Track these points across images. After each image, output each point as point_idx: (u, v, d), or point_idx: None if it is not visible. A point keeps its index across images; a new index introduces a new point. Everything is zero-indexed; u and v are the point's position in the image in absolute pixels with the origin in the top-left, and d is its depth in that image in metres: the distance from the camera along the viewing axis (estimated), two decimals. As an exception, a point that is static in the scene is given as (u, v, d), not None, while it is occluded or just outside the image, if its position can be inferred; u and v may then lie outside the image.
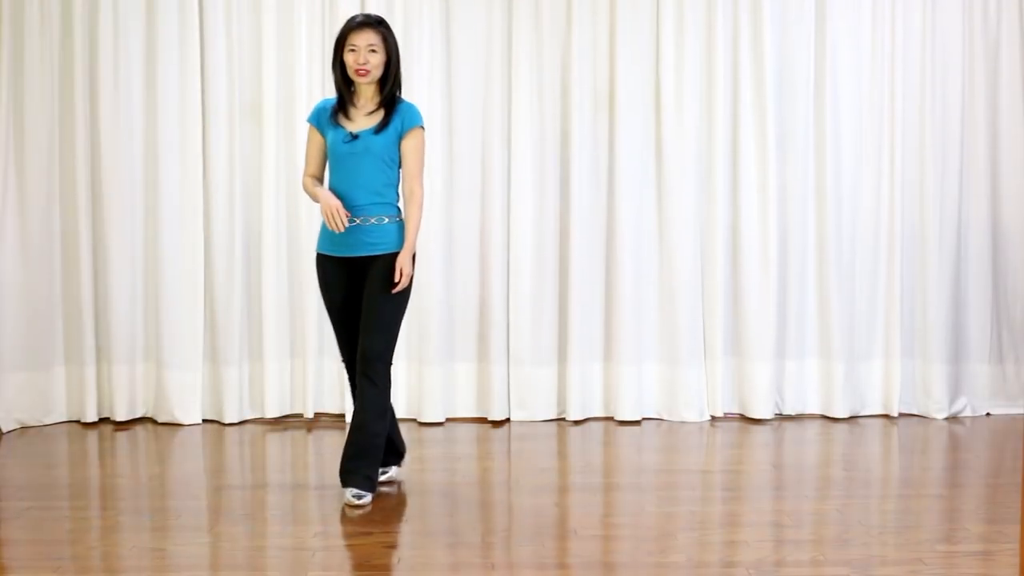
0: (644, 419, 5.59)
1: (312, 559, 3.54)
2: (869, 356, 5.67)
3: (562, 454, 5.08)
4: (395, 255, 4.06)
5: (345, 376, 5.38)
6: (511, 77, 5.50)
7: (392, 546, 3.69)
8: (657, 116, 5.56)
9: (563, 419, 5.59)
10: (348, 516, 3.99)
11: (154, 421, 5.51)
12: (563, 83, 5.54)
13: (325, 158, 4.19)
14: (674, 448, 5.12)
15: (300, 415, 5.58)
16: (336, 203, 4.01)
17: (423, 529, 3.89)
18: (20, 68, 5.36)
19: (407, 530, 3.88)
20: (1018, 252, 5.69)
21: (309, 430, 5.40)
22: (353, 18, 4.13)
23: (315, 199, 4.12)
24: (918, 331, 5.68)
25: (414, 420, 5.48)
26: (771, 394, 5.60)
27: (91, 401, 5.43)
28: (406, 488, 4.37)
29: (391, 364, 4.13)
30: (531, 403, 5.56)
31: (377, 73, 4.08)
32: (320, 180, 4.23)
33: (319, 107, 4.22)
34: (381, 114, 4.10)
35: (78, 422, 5.47)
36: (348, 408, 5.43)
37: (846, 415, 5.62)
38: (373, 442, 4.11)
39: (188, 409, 5.46)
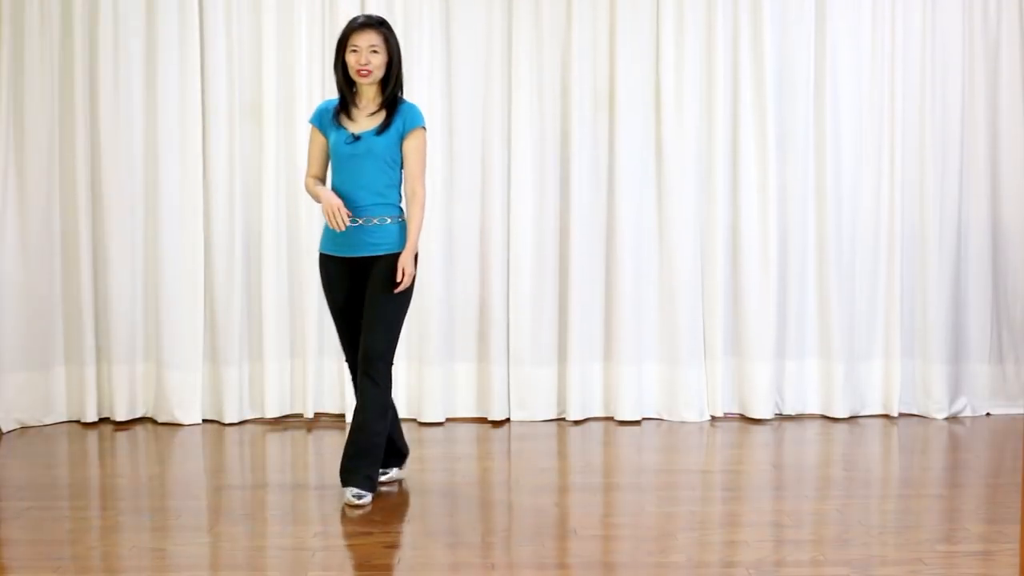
0: (644, 419, 5.59)
1: (312, 559, 3.54)
2: (869, 356, 5.67)
3: (562, 454, 5.08)
4: (397, 255, 4.07)
5: (345, 376, 5.41)
6: (511, 77, 5.50)
7: (392, 546, 3.69)
8: (657, 116, 5.56)
9: (563, 419, 5.59)
10: (348, 516, 3.99)
11: (154, 421, 5.51)
12: (563, 83, 5.54)
13: (327, 159, 4.20)
14: (674, 448, 5.12)
15: (300, 415, 5.58)
16: (337, 202, 4.02)
17: (423, 529, 3.89)
18: (20, 68, 5.36)
19: (407, 530, 3.88)
20: (1018, 252, 5.69)
21: (309, 430, 5.40)
22: (355, 19, 4.14)
23: (317, 199, 4.13)
24: (918, 331, 5.68)
25: (414, 420, 5.48)
26: (771, 394, 5.60)
27: (91, 401, 5.43)
28: (406, 488, 4.37)
29: (392, 364, 4.14)
30: (531, 403, 5.56)
31: (379, 74, 4.09)
32: (323, 181, 4.24)
33: (321, 108, 4.23)
34: (383, 115, 4.11)
35: (78, 422, 5.47)
36: (348, 408, 5.43)
37: (846, 415, 5.62)
38: (374, 441, 4.11)
39: (188, 409, 5.46)
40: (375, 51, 4.06)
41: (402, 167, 4.15)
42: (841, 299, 5.62)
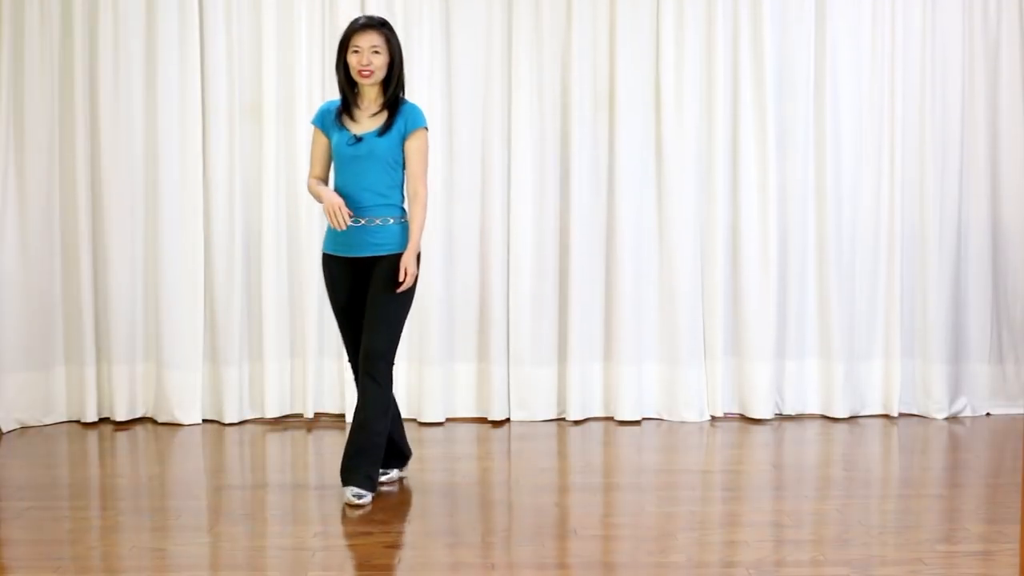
0: (644, 419, 5.59)
1: (312, 559, 3.54)
2: (869, 356, 5.67)
3: (562, 454, 5.08)
4: (400, 255, 4.08)
5: (345, 376, 5.42)
6: (511, 77, 5.50)
7: (392, 546, 3.69)
8: (657, 115, 5.56)
9: (563, 419, 5.59)
10: (348, 516, 3.99)
11: (154, 421, 5.51)
12: (563, 83, 5.54)
13: (330, 159, 4.21)
14: (674, 448, 5.12)
15: (300, 415, 5.58)
16: (338, 201, 4.03)
17: (423, 529, 3.89)
18: (20, 68, 5.36)
19: (407, 530, 3.88)
20: (1018, 252, 5.69)
21: (309, 430, 5.40)
22: (356, 20, 4.15)
23: (319, 199, 4.15)
24: (918, 331, 5.68)
25: (414, 420, 5.48)
26: (771, 394, 5.60)
27: (91, 401, 5.43)
28: (406, 488, 4.37)
29: (394, 364, 4.15)
30: (531, 403, 5.56)
31: (380, 74, 4.10)
32: (325, 181, 4.25)
33: (323, 109, 4.24)
34: (385, 115, 4.12)
35: (78, 422, 5.47)
36: (348, 408, 5.43)
37: (846, 415, 5.62)
38: (374, 441, 4.12)
39: (188, 409, 5.46)
40: (377, 52, 4.07)
41: (404, 168, 4.15)
42: (841, 299, 5.62)
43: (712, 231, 5.59)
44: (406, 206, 4.18)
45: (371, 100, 4.16)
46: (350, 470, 4.12)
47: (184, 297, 5.44)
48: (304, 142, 5.41)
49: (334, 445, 5.08)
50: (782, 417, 5.65)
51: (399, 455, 4.41)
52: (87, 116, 5.38)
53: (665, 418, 5.62)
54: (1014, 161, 5.67)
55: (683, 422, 5.56)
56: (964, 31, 5.61)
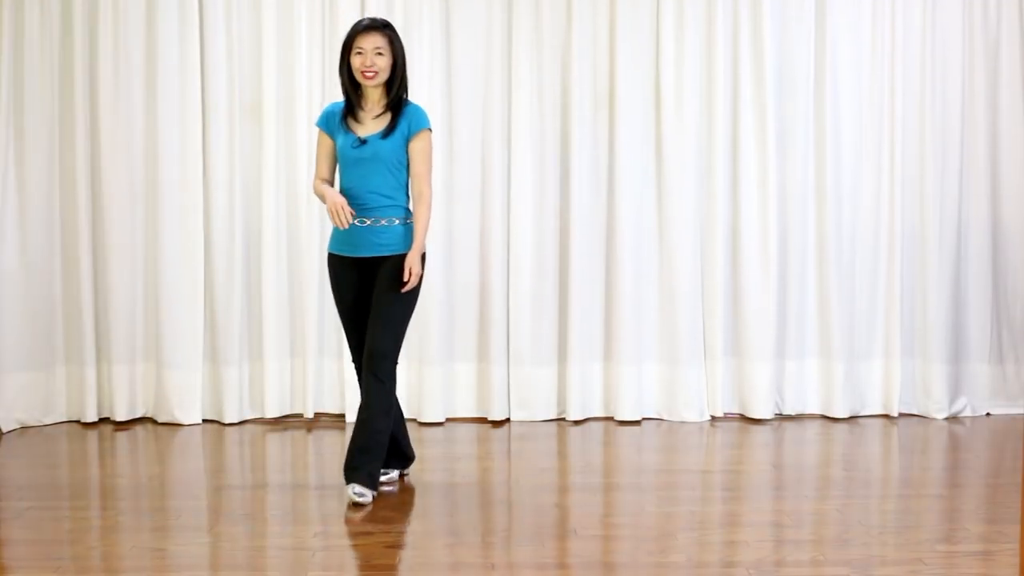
0: (644, 419, 5.59)
1: (312, 559, 3.54)
2: (869, 356, 5.67)
3: (562, 454, 5.08)
4: (404, 255, 4.11)
5: (345, 376, 5.42)
6: (511, 77, 5.50)
7: (392, 546, 3.69)
8: (657, 114, 5.56)
9: (563, 419, 5.59)
10: (348, 516, 3.99)
11: (154, 421, 5.51)
12: (563, 83, 5.54)
13: (335, 161, 4.24)
14: (674, 448, 5.12)
15: (300, 415, 5.58)
16: (341, 200, 4.05)
17: (423, 529, 3.89)
18: (20, 68, 5.35)
19: (407, 530, 3.88)
20: (1018, 252, 5.69)
21: (309, 430, 5.40)
22: (359, 22, 4.19)
23: (322, 199, 4.17)
24: (918, 331, 5.67)
25: (414, 420, 5.47)
26: (771, 394, 5.60)
27: (91, 401, 5.43)
28: (406, 488, 4.37)
29: (397, 363, 4.17)
30: (531, 403, 5.56)
31: (384, 76, 4.13)
32: (331, 183, 4.27)
33: (327, 111, 4.26)
34: (388, 117, 4.15)
35: (78, 422, 5.47)
36: (348, 408, 5.43)
37: (846, 415, 5.62)
38: (377, 439, 4.14)
39: (188, 409, 5.46)
40: (380, 53, 4.10)
41: (409, 168, 4.17)
42: (841, 299, 5.62)
43: (712, 230, 5.59)
44: (411, 206, 4.20)
45: (374, 102, 4.18)
46: (353, 468, 4.13)
47: (184, 297, 5.44)
48: (304, 142, 5.42)
49: (334, 445, 5.08)
50: (782, 417, 5.65)
51: (400, 456, 4.42)
52: (87, 116, 5.38)
53: (665, 418, 5.61)
54: (1014, 161, 5.67)
55: (683, 422, 5.56)
56: (964, 30, 5.61)
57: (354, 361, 4.31)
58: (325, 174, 4.25)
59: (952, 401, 5.68)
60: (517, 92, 5.48)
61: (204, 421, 5.51)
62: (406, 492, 4.32)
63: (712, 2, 5.52)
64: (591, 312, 5.59)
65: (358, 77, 4.12)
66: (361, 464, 4.12)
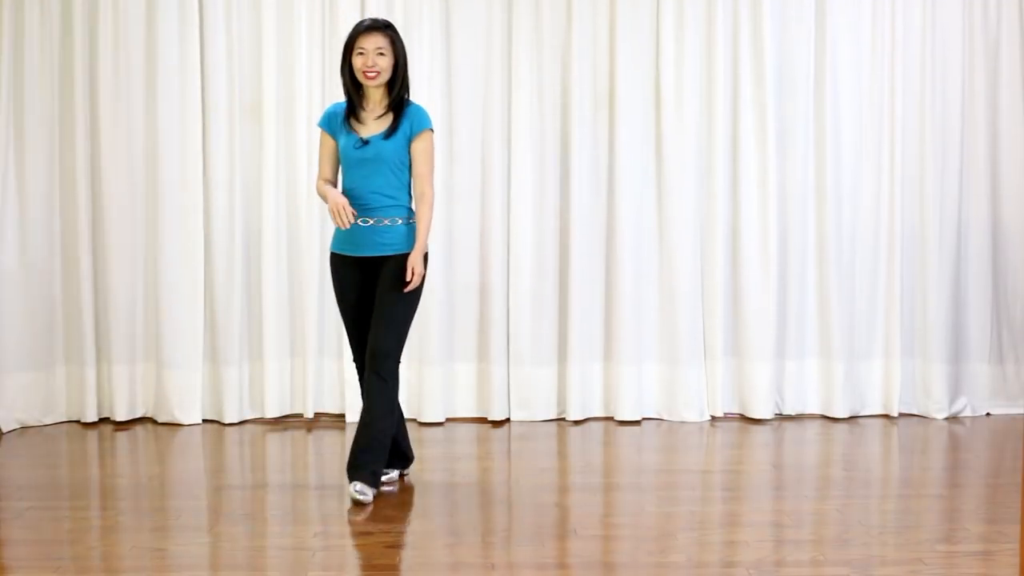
0: (644, 419, 5.59)
1: (312, 559, 3.54)
2: (869, 356, 5.67)
3: (562, 454, 5.08)
4: (407, 255, 4.13)
5: (345, 376, 5.42)
6: (511, 77, 5.50)
7: (392, 546, 3.69)
8: (657, 113, 5.56)
9: (563, 419, 5.59)
10: (348, 516, 3.99)
11: (154, 421, 5.51)
12: (563, 83, 5.54)
13: (338, 162, 4.26)
14: (674, 448, 5.12)
15: (300, 415, 5.58)
16: (342, 200, 4.06)
17: (423, 529, 3.90)
18: (20, 68, 5.35)
19: (407, 530, 3.88)
20: (1018, 252, 5.69)
21: (309, 430, 5.40)
22: (361, 22, 4.21)
23: (325, 200, 4.18)
24: (918, 331, 5.67)
25: (414, 420, 5.47)
26: (771, 394, 5.60)
27: (91, 401, 5.43)
28: (406, 488, 4.37)
29: (400, 362, 4.18)
30: (531, 403, 5.56)
31: (386, 76, 4.15)
32: (334, 183, 4.28)
33: (329, 112, 4.27)
34: (391, 118, 4.17)
35: (78, 422, 5.47)
36: (348, 408, 5.43)
37: (846, 415, 5.62)
38: (379, 438, 4.15)
39: (188, 409, 5.46)
40: (382, 53, 4.11)
41: (411, 169, 4.18)
42: (841, 299, 5.62)
43: (712, 230, 5.59)
44: (413, 206, 4.21)
45: (376, 102, 4.19)
46: (356, 467, 4.15)
47: (184, 297, 5.44)
48: (304, 142, 5.42)
49: (334, 445, 5.08)
50: (782, 417, 5.65)
51: (400, 456, 4.43)
52: (87, 116, 5.38)
53: (665, 418, 5.61)
54: (1014, 161, 5.67)
55: (683, 422, 5.56)
56: (964, 29, 5.61)
57: (355, 360, 4.32)
58: (328, 175, 4.26)
59: (952, 401, 5.68)
60: (517, 92, 5.48)
61: (204, 421, 5.51)
62: (406, 492, 4.33)
63: (712, 2, 5.52)
64: (591, 312, 5.59)
65: (360, 77, 4.13)
66: (363, 463, 4.14)
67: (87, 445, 5.17)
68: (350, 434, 5.21)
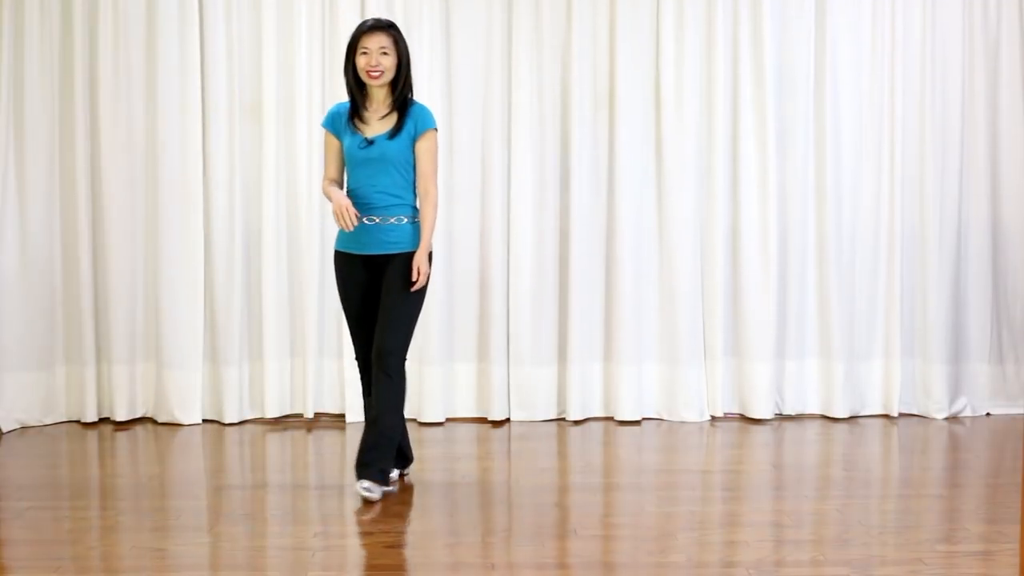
0: (644, 419, 5.59)
1: (312, 559, 3.54)
2: (869, 356, 5.67)
3: (562, 454, 5.08)
4: (412, 254, 4.15)
5: (345, 377, 5.42)
6: (511, 77, 5.50)
7: (392, 546, 3.69)
8: (657, 113, 5.56)
9: (563, 419, 5.59)
10: (355, 514, 3.99)
11: (154, 421, 5.51)
12: (563, 83, 5.54)
13: (343, 162, 4.26)
14: (674, 448, 5.12)
15: (300, 415, 5.58)
16: (346, 202, 4.07)
17: (423, 529, 3.90)
18: (20, 68, 5.35)
19: (407, 530, 3.88)
20: (1018, 252, 5.69)
21: (309, 430, 5.40)
22: (364, 22, 4.22)
23: (330, 200, 4.18)
24: (918, 331, 5.68)
25: (414, 420, 5.47)
26: (771, 394, 5.60)
27: (91, 401, 5.43)
28: (406, 488, 4.37)
29: (406, 360, 4.20)
30: (531, 403, 5.56)
31: (389, 75, 4.16)
32: (340, 183, 4.29)
33: (333, 112, 4.28)
34: (395, 118, 4.18)
35: (78, 422, 5.47)
36: (348, 408, 5.44)
37: (846, 415, 5.62)
38: (387, 436, 4.17)
39: (188, 409, 5.46)
40: (385, 53, 4.13)
41: (416, 168, 4.19)
42: (841, 299, 5.62)
43: (712, 230, 5.59)
44: (418, 205, 4.21)
45: (380, 102, 4.20)
46: (363, 464, 4.16)
47: (184, 297, 5.44)
48: (304, 142, 5.42)
49: (334, 445, 5.08)
50: (782, 417, 5.65)
51: (400, 456, 4.43)
52: (87, 116, 5.38)
53: (665, 418, 5.62)
54: (1014, 161, 5.67)
55: (683, 422, 5.56)
56: (964, 29, 5.61)
57: (357, 359, 4.33)
58: (334, 175, 4.27)
59: (952, 401, 5.68)
60: (517, 92, 5.48)
61: (204, 421, 5.51)
62: (406, 492, 4.32)
63: (712, 2, 5.52)
64: (591, 312, 5.59)
65: (363, 77, 4.15)
66: (371, 460, 4.15)
67: (87, 445, 5.17)
68: (350, 434, 5.23)
